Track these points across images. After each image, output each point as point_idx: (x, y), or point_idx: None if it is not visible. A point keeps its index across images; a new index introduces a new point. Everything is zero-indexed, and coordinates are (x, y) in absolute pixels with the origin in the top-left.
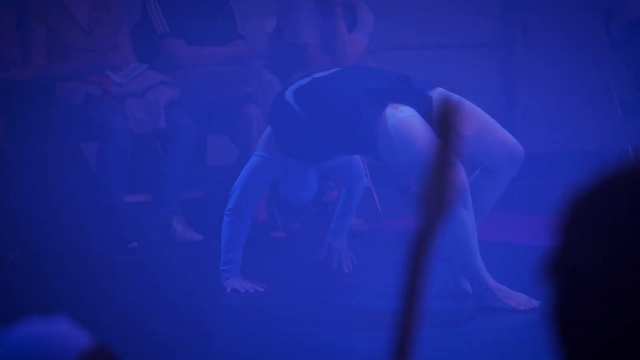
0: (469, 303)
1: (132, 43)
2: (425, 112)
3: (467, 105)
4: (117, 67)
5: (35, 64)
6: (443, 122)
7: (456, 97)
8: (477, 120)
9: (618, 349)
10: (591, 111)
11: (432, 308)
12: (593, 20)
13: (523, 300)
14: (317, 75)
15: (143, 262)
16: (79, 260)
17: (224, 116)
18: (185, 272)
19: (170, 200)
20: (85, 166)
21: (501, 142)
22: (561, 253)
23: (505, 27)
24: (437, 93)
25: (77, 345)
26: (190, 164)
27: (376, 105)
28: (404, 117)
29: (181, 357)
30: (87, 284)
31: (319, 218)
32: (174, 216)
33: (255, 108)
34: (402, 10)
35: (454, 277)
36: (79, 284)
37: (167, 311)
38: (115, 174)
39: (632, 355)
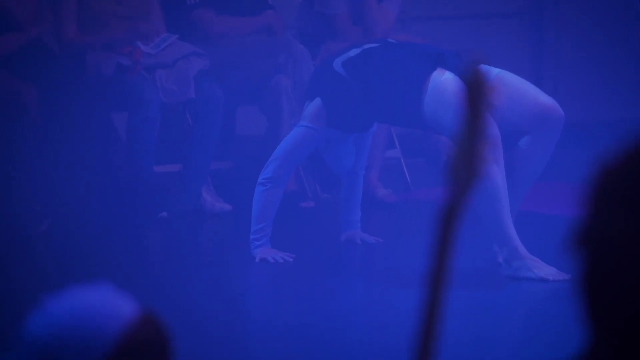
0: (499, 270)
1: (162, 13)
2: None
3: (501, 72)
4: (148, 37)
5: (67, 36)
6: (472, 93)
7: (494, 70)
8: (510, 84)
9: None
10: (621, 82)
11: (461, 272)
12: None
13: (553, 272)
14: (367, 46)
15: (172, 232)
16: (109, 230)
17: (253, 87)
18: (214, 243)
19: (200, 170)
20: (115, 136)
21: (536, 105)
22: (590, 223)
23: None
24: (472, 64)
25: (124, 313)
26: (220, 134)
27: (424, 70)
28: (448, 77)
29: (212, 325)
30: (118, 254)
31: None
32: (203, 186)
33: (284, 78)
34: None
35: (488, 244)
36: (110, 253)
37: (196, 281)
38: (145, 144)
39: None
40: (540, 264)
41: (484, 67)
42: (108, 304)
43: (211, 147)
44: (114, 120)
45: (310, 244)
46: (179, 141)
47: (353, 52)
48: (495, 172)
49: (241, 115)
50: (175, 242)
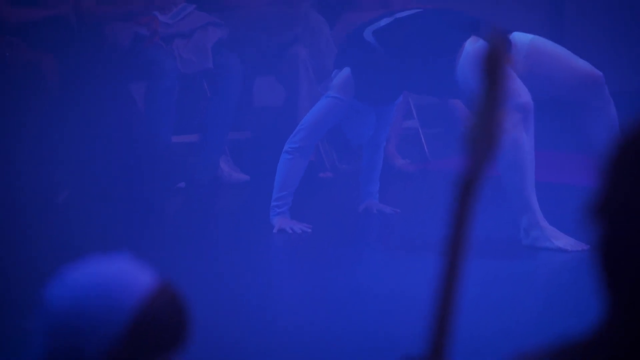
0: (518, 240)
1: None
2: None
3: (536, 39)
4: (165, 7)
5: (85, 7)
6: (491, 62)
7: (528, 37)
8: (545, 52)
9: None
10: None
11: (480, 241)
12: None
13: (572, 242)
14: (399, 14)
15: (190, 202)
16: (127, 200)
17: (271, 57)
18: (231, 213)
19: (218, 141)
20: (133, 107)
21: (574, 72)
22: (608, 193)
23: None
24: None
25: (142, 283)
26: (238, 104)
27: (458, 37)
28: (482, 45)
29: (230, 295)
30: (136, 224)
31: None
32: (221, 157)
33: (302, 49)
34: None
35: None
36: (128, 224)
37: (214, 251)
38: (163, 114)
39: None
40: (559, 234)
41: (517, 34)
42: (126, 274)
43: (229, 117)
44: (132, 90)
45: (329, 215)
46: (196, 111)
47: (384, 21)
48: (524, 139)
49: (259, 85)
50: (193, 212)
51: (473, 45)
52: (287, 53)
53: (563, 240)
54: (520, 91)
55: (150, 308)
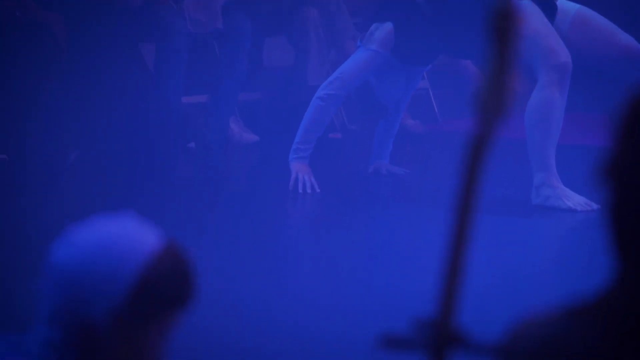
0: (529, 199)
1: None
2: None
3: (582, 9)
4: None
5: None
6: (502, 23)
7: (575, 6)
8: (590, 22)
9: None
10: None
11: (490, 199)
12: None
13: (582, 202)
14: None
15: (200, 163)
16: (136, 161)
17: (281, 18)
18: (241, 173)
19: (228, 101)
20: (144, 67)
21: (617, 46)
22: (619, 153)
23: None
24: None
25: (148, 243)
26: (248, 65)
27: None
28: (527, 2)
29: (238, 256)
30: (145, 185)
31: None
32: (231, 117)
33: (312, 9)
34: None
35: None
36: (137, 184)
37: (223, 211)
38: (173, 75)
39: None
40: (570, 194)
41: (563, 1)
42: (133, 234)
43: (239, 78)
44: (142, 51)
45: (338, 175)
46: (206, 72)
47: None
48: (556, 99)
49: (269, 46)
50: (202, 173)
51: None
52: (297, 13)
53: (574, 200)
54: (560, 51)
55: (156, 267)
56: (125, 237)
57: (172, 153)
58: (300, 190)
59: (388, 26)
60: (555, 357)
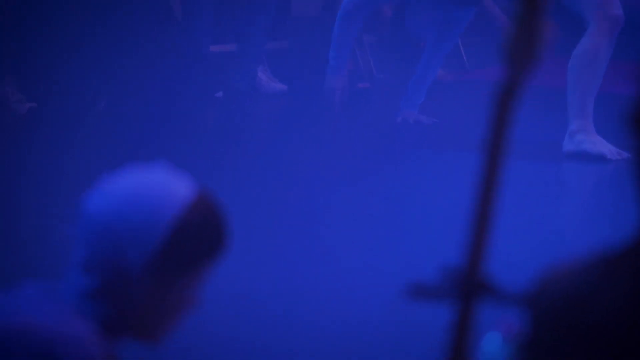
0: (560, 143)
1: None
2: None
3: None
4: None
5: None
6: None
7: None
8: None
9: None
10: None
11: (520, 145)
12: None
13: (613, 150)
14: None
15: (228, 111)
16: (165, 109)
17: None
18: (269, 122)
19: (256, 50)
20: (172, 17)
21: None
22: None
23: None
24: None
25: (181, 192)
26: (276, 14)
27: None
28: None
29: (269, 202)
30: (174, 134)
31: (406, 69)
32: (259, 66)
33: None
34: None
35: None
36: (166, 133)
37: (252, 159)
38: (201, 23)
39: None
40: (602, 142)
41: None
42: (167, 184)
43: (267, 26)
44: (170, 0)
45: (366, 124)
46: (235, 21)
47: None
48: (602, 49)
49: None
50: (230, 122)
51: None
52: None
53: (606, 148)
54: (614, 2)
55: (190, 216)
56: (159, 186)
57: (201, 102)
58: (330, 101)
59: None
60: (583, 306)
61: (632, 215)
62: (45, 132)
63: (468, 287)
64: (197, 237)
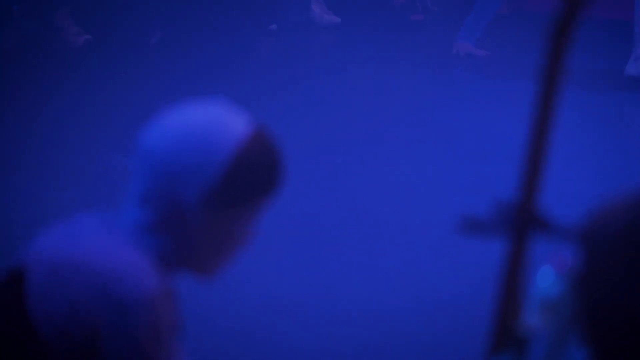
0: (620, 71)
1: None
2: None
3: None
4: None
5: None
6: None
7: None
8: None
9: None
10: None
11: (580, 70)
12: None
13: None
14: None
15: (282, 44)
16: (219, 42)
17: None
18: (323, 55)
19: None
20: None
21: None
22: None
23: None
24: None
25: (238, 128)
26: None
27: None
28: None
29: (320, 135)
30: (228, 67)
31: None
32: None
33: None
34: None
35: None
36: (220, 66)
37: (306, 92)
38: None
39: None
40: None
41: None
42: (224, 119)
43: None
44: None
45: (418, 57)
46: None
47: None
48: None
49: None
50: (284, 55)
51: None
52: None
53: None
54: None
55: (246, 152)
56: (216, 121)
57: (254, 35)
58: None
59: None
60: (636, 241)
61: None
62: (101, 65)
63: (521, 221)
64: (253, 173)
